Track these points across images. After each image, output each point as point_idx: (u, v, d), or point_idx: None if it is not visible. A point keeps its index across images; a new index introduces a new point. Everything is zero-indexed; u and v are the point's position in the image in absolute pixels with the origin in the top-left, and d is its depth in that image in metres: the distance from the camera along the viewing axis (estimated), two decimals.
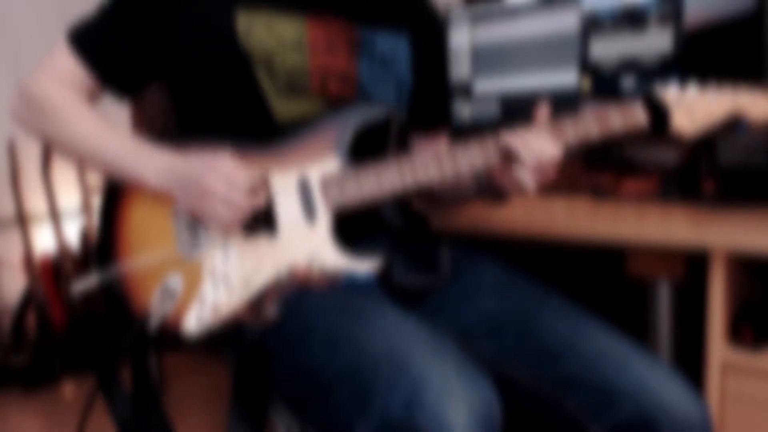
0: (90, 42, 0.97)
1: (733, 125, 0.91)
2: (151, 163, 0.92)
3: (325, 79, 0.98)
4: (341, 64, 0.99)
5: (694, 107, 0.90)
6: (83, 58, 0.96)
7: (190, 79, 0.97)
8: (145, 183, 0.92)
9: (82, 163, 1.00)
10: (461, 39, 1.59)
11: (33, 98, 0.96)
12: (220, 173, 0.87)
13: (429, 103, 1.12)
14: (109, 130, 0.95)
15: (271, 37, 0.94)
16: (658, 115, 0.91)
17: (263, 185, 0.91)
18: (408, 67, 1.05)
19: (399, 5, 1.07)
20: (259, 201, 0.90)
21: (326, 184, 0.92)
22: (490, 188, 0.97)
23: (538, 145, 0.88)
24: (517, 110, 1.55)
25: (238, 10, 0.94)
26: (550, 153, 0.88)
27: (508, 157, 0.89)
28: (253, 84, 0.94)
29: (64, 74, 0.97)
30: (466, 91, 1.61)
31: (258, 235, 0.92)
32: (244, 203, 0.88)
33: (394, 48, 1.04)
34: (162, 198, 0.93)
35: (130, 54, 0.97)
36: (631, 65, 1.37)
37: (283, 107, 0.96)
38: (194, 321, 0.90)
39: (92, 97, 1.00)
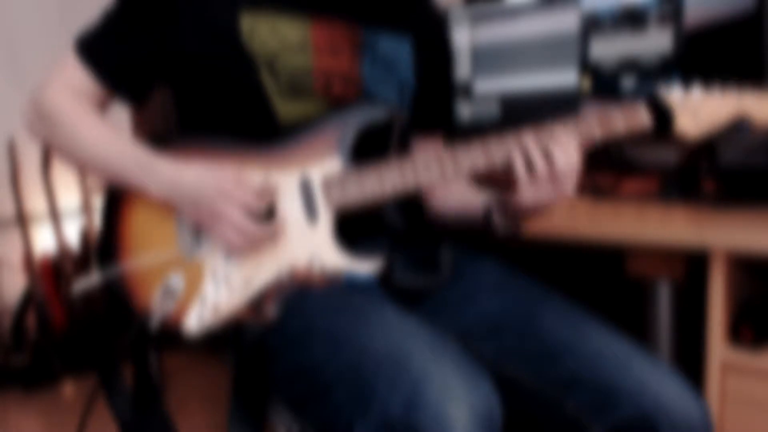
0: (98, 51, 0.97)
1: (736, 127, 0.90)
2: (154, 176, 0.92)
3: (328, 80, 0.98)
4: (344, 65, 0.99)
5: (698, 109, 0.90)
6: (92, 68, 0.97)
7: (193, 80, 0.97)
8: (148, 194, 0.93)
9: (89, 172, 1.00)
10: (461, 39, 1.59)
11: (43, 108, 0.97)
12: (236, 200, 0.88)
13: (431, 107, 1.11)
14: (115, 141, 0.95)
15: (275, 38, 0.95)
16: (662, 117, 0.91)
17: (276, 211, 0.91)
18: (411, 69, 1.05)
19: (402, 8, 1.06)
20: (273, 231, 0.90)
21: (328, 185, 0.92)
22: (504, 209, 0.95)
23: (559, 151, 0.87)
24: (517, 110, 1.55)
25: (242, 11, 0.94)
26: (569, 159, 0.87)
27: (529, 164, 0.87)
28: (256, 85, 0.94)
29: (73, 84, 0.97)
30: (466, 91, 1.61)
31: None
32: (257, 232, 0.89)
33: (397, 50, 1.04)
34: (162, 202, 0.93)
35: (137, 60, 0.97)
36: (631, 65, 1.37)
37: (285, 108, 0.96)
38: (195, 320, 0.90)
39: (102, 106, 1.00)
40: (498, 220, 0.98)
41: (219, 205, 0.88)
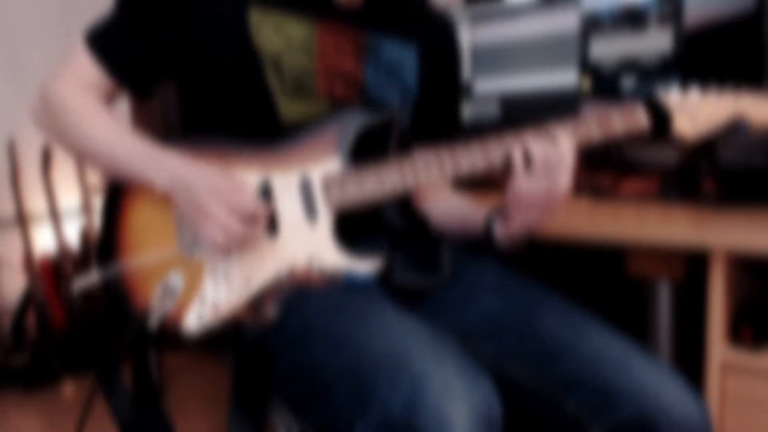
0: (108, 44, 0.97)
1: (734, 128, 0.91)
2: (159, 167, 0.91)
3: (331, 81, 0.98)
4: (348, 67, 0.99)
5: (696, 111, 0.90)
6: (101, 60, 0.97)
7: (200, 75, 0.97)
8: (152, 186, 0.92)
9: (94, 165, 1.00)
10: (461, 39, 1.59)
11: (50, 100, 0.97)
12: (223, 197, 0.87)
13: (434, 115, 1.11)
14: (119, 133, 0.95)
15: (280, 37, 0.95)
16: (660, 118, 0.91)
17: (265, 210, 0.90)
18: (414, 76, 1.05)
19: (409, 15, 1.06)
20: (258, 230, 0.89)
21: (328, 184, 0.92)
22: (503, 217, 0.94)
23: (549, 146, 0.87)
24: (517, 110, 1.55)
25: (251, 8, 0.94)
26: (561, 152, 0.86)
27: (526, 155, 0.87)
28: (261, 83, 0.95)
29: (82, 76, 0.97)
30: (466, 91, 1.61)
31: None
32: (241, 231, 0.87)
33: (402, 56, 1.03)
34: (164, 197, 0.93)
35: (147, 54, 0.97)
36: (631, 65, 1.38)
37: (288, 108, 0.96)
38: (195, 319, 0.90)
39: (109, 99, 1.00)
40: (499, 231, 0.96)
41: (206, 199, 0.87)
